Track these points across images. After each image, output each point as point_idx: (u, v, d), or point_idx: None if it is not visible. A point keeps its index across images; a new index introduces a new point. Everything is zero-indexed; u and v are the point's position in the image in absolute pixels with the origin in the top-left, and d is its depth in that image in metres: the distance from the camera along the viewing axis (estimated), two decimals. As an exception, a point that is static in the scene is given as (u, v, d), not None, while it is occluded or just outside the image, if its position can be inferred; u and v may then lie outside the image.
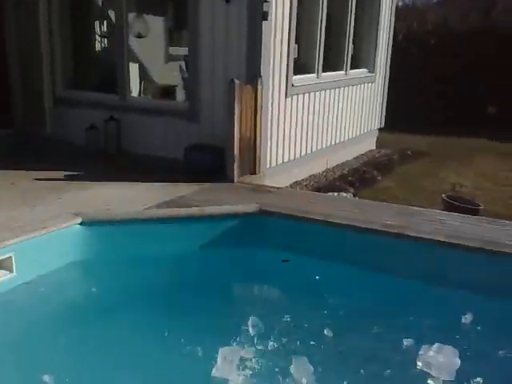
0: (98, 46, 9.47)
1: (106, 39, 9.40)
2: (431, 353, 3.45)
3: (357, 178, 8.33)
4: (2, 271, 4.11)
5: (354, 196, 7.08)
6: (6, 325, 3.85)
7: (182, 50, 8.11)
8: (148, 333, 3.83)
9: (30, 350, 3.61)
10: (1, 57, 7.85)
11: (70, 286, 4.59)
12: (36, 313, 4.07)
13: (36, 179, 6.02)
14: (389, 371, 3.46)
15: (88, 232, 4.74)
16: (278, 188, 6.30)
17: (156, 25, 8.76)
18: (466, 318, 4.01)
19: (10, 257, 4.13)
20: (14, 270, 4.14)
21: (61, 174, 6.25)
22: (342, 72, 8.92)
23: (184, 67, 8.48)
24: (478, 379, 3.37)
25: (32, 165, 6.46)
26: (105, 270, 4.59)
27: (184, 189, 5.91)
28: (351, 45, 8.95)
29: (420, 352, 3.50)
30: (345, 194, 6.88)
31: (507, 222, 5.37)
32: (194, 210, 5.26)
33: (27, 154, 6.92)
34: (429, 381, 3.36)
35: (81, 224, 4.74)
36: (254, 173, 6.72)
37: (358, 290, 4.48)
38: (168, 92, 8.24)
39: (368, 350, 3.73)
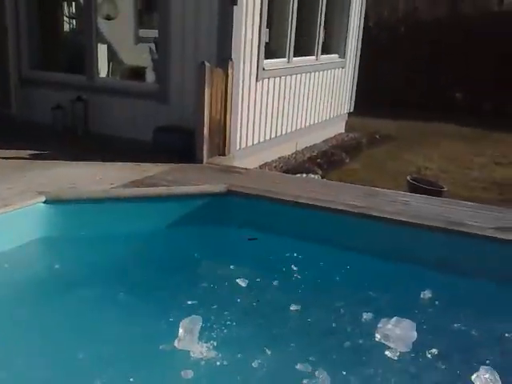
0: (66, 27, 9.34)
1: (74, 20, 9.28)
2: (389, 326, 3.53)
3: (325, 160, 8.41)
4: (-37, 247, 4.07)
5: (322, 177, 7.16)
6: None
7: (152, 32, 8.06)
8: (110, 308, 3.85)
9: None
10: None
11: (33, 263, 4.57)
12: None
13: (1, 158, 5.94)
14: (348, 343, 3.55)
15: (52, 210, 4.70)
16: (246, 169, 6.33)
17: (125, 6, 8.67)
18: (425, 294, 4.13)
19: (-28, 233, 4.10)
20: (-24, 247, 4.11)
21: (26, 153, 6.17)
22: (313, 57, 8.98)
23: (154, 49, 8.42)
24: (434, 350, 3.48)
25: (-4, 144, 6.37)
26: (68, 248, 4.57)
27: (152, 169, 5.90)
28: (322, 30, 9.00)
29: (379, 325, 3.59)
30: (313, 176, 6.95)
31: (469, 203, 5.50)
32: (161, 190, 5.26)
33: (-8, 134, 6.82)
34: (386, 352, 3.46)
35: (45, 202, 4.71)
36: (223, 154, 6.73)
37: (322, 267, 4.55)
38: (137, 73, 8.18)
39: (329, 323, 3.81)
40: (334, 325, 3.79)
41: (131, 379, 3.13)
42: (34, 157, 6.11)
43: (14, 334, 3.53)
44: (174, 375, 3.22)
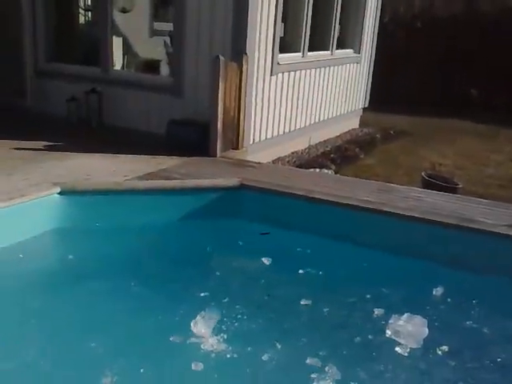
0: (81, 19, 9.38)
1: (89, 12, 9.32)
2: (400, 322, 3.53)
3: (339, 155, 8.39)
4: (-20, 236, 4.12)
5: (336, 173, 7.14)
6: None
7: (167, 26, 8.06)
8: (123, 299, 3.88)
9: (5, 312, 3.63)
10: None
11: (47, 253, 4.62)
12: (13, 277, 4.08)
13: (16, 149, 5.99)
14: (359, 338, 3.54)
15: (67, 201, 4.73)
16: (259, 163, 6.33)
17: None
18: (437, 291, 4.11)
19: (-12, 223, 4.14)
20: (-8, 236, 4.15)
21: (41, 144, 6.21)
22: (328, 52, 8.94)
23: (169, 42, 8.43)
24: (445, 347, 3.47)
25: (12, 135, 6.40)
26: (82, 239, 4.60)
27: (166, 162, 5.92)
28: (338, 25, 8.96)
29: (390, 321, 3.58)
30: (326, 171, 6.94)
31: (484, 200, 5.46)
32: (174, 183, 5.28)
33: (7, 125, 6.85)
34: (397, 348, 3.45)
35: (60, 193, 4.74)
36: (236, 148, 6.74)
37: (335, 262, 4.54)
38: (152, 66, 8.19)
39: (340, 318, 3.81)
40: (344, 320, 3.79)
41: (142, 370, 3.16)
42: (49, 148, 6.15)
43: (27, 324, 3.56)
44: (184, 367, 3.23)
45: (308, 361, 3.29)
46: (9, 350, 3.30)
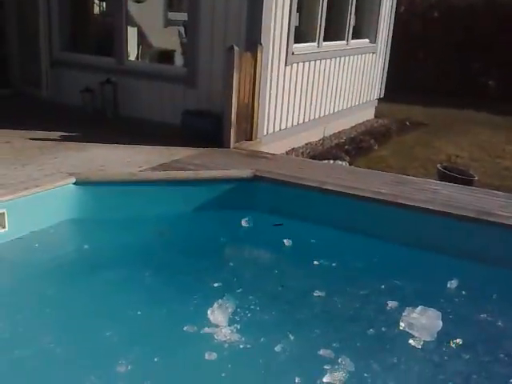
0: (96, 9, 9.40)
1: (104, 2, 9.33)
2: (414, 314, 3.51)
3: (353, 146, 8.34)
4: (-5, 226, 4.17)
5: (350, 164, 7.10)
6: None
7: (181, 15, 8.06)
8: (137, 289, 3.91)
9: (20, 300, 3.69)
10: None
11: (62, 243, 4.64)
12: (29, 266, 4.13)
13: (31, 139, 6.01)
14: (372, 331, 3.54)
15: (82, 191, 4.76)
16: (273, 154, 6.32)
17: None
18: (452, 283, 4.09)
19: (3, 213, 4.16)
20: (7, 226, 4.18)
21: (56, 134, 6.24)
22: (344, 42, 8.87)
23: (183, 32, 8.42)
24: (459, 340, 3.45)
25: (28, 125, 6.44)
26: (96, 229, 4.63)
27: (180, 153, 5.92)
28: (353, 15, 8.88)
29: (404, 313, 3.57)
30: (340, 162, 6.90)
31: (500, 192, 5.41)
32: (188, 174, 5.29)
33: (23, 115, 6.91)
34: (410, 340, 3.44)
35: (75, 183, 4.77)
36: (250, 139, 6.73)
37: (348, 254, 4.53)
38: (166, 57, 8.20)
39: (354, 310, 3.81)
40: (357, 312, 3.79)
41: (156, 359, 3.18)
42: (64, 138, 6.18)
43: (42, 313, 3.60)
44: (198, 357, 3.25)
45: (321, 352, 3.29)
46: (25, 338, 3.34)
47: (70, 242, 4.78)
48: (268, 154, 6.28)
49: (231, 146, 6.31)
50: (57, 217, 4.58)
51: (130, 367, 3.09)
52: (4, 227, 4.18)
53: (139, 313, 3.61)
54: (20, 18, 7.80)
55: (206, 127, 6.49)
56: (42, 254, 4.31)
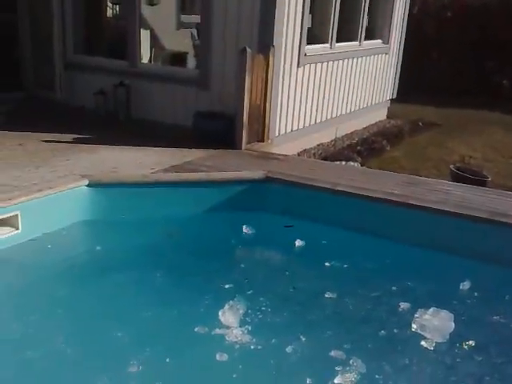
0: (109, 12, 9.46)
1: (117, 6, 9.39)
2: (427, 316, 3.49)
3: (365, 147, 8.31)
4: (8, 228, 4.19)
5: (362, 165, 7.08)
6: (9, 277, 3.97)
7: (194, 18, 8.08)
8: (148, 290, 3.93)
9: (32, 301, 3.72)
10: (12, 19, 7.86)
11: (74, 244, 4.68)
12: (41, 267, 4.17)
13: (44, 141, 6.07)
14: (384, 332, 3.52)
15: (94, 193, 4.80)
16: (285, 155, 6.31)
17: (169, -9, 8.72)
18: (464, 285, 4.05)
19: (17, 214, 4.21)
20: (20, 228, 4.22)
21: (69, 137, 6.29)
22: (356, 43, 8.85)
23: (195, 34, 8.45)
24: (471, 342, 3.42)
25: (41, 127, 6.50)
26: (109, 231, 4.67)
27: (191, 154, 5.94)
28: (366, 16, 8.85)
29: (416, 315, 3.55)
30: (352, 163, 6.88)
31: (514, 193, 5.36)
32: (200, 175, 5.31)
33: (36, 117, 6.97)
34: (422, 342, 3.42)
35: (87, 185, 4.81)
36: (262, 140, 6.73)
37: (360, 255, 4.51)
38: (178, 59, 8.23)
39: (365, 312, 3.79)
40: (369, 313, 3.78)
41: (167, 360, 3.19)
42: (77, 141, 6.23)
43: (54, 313, 3.62)
44: (209, 358, 3.25)
45: (332, 353, 3.28)
46: (36, 339, 3.36)
47: (82, 244, 4.82)
48: (280, 155, 6.28)
49: (243, 147, 6.32)
50: (69, 218, 4.62)
51: (141, 368, 3.11)
52: (17, 229, 4.22)
53: (150, 314, 3.63)
54: (33, 20, 7.86)
55: (218, 129, 6.51)
56: (54, 256, 4.34)
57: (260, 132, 6.71)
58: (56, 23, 7.62)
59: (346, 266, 4.33)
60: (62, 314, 3.64)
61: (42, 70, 7.91)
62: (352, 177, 5.57)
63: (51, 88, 7.77)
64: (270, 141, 6.82)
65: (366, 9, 8.78)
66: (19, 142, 5.95)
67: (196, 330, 3.44)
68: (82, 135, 6.41)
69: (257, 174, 5.39)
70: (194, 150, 6.10)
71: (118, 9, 9.38)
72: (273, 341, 3.41)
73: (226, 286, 3.94)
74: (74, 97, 7.76)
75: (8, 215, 4.19)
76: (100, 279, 4.05)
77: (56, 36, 7.66)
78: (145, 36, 8.00)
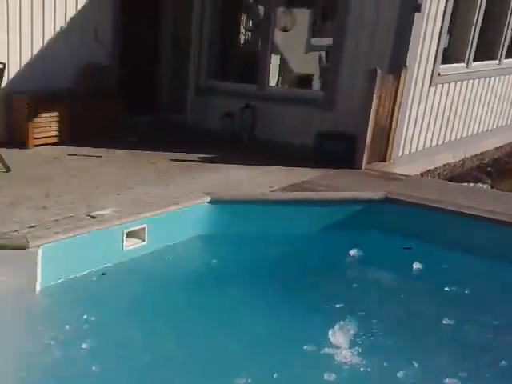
0: (241, 39, 9.81)
1: (249, 32, 9.71)
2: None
3: (496, 168, 7.86)
4: (136, 239, 4.50)
5: (491, 187, 6.68)
6: (135, 286, 4.24)
7: (325, 41, 8.10)
8: (260, 305, 3.99)
9: (152, 308, 3.93)
10: (154, 47, 8.43)
11: (192, 257, 4.90)
12: (161, 277, 4.39)
13: (173, 160, 6.45)
14: (504, 362, 3.29)
15: (215, 210, 5.00)
16: (406, 176, 6.15)
17: (302, 17, 8.80)
18: None
19: (144, 227, 4.52)
20: (146, 240, 4.52)
21: (195, 156, 6.63)
22: (495, 61, 8.46)
23: (324, 57, 8.50)
24: None
25: (171, 148, 6.90)
26: (226, 245, 4.83)
27: (309, 173, 6.00)
28: (510, 33, 8.44)
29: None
30: (481, 185, 6.52)
31: None
32: (316, 194, 5.34)
33: (168, 138, 7.42)
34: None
35: (209, 202, 5.03)
36: (383, 160, 6.63)
37: (482, 281, 4.28)
38: (304, 81, 8.33)
39: (486, 339, 3.57)
40: (490, 342, 3.56)
41: (275, 375, 3.22)
42: (202, 160, 6.55)
43: (171, 321, 3.78)
44: (317, 376, 3.23)
45: (447, 381, 3.13)
46: (149, 343, 3.54)
47: (199, 256, 5.03)
48: (401, 175, 6.14)
49: (363, 167, 6.25)
50: (190, 232, 4.85)
51: (249, 380, 3.15)
52: (143, 240, 4.52)
53: (262, 328, 3.70)
54: (174, 48, 8.33)
55: (339, 149, 6.51)
56: (174, 267, 4.57)
57: (382, 152, 6.60)
58: (193, 50, 8.06)
59: (466, 291, 4.12)
60: (178, 320, 3.80)
61: (175, 94, 8.38)
62: (479, 199, 5.29)
63: (182, 111, 8.22)
64: (392, 161, 6.68)
65: (510, 29, 8.37)
66: (152, 161, 6.39)
67: (305, 347, 3.43)
68: (207, 155, 6.71)
69: (376, 194, 5.31)
70: (312, 169, 6.15)
71: (249, 35, 9.68)
72: (384, 364, 3.32)
73: (338, 306, 3.91)
74: (203, 119, 8.12)
75: (137, 228, 4.50)
76: (216, 290, 4.18)
77: (192, 63, 8.09)
78: (274, 60, 8.17)
